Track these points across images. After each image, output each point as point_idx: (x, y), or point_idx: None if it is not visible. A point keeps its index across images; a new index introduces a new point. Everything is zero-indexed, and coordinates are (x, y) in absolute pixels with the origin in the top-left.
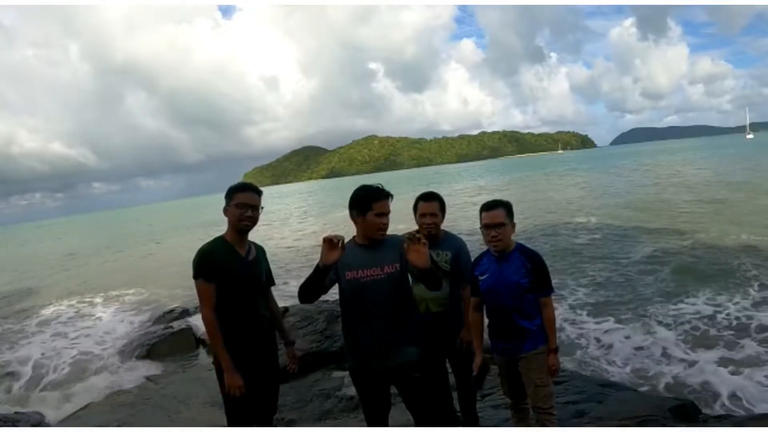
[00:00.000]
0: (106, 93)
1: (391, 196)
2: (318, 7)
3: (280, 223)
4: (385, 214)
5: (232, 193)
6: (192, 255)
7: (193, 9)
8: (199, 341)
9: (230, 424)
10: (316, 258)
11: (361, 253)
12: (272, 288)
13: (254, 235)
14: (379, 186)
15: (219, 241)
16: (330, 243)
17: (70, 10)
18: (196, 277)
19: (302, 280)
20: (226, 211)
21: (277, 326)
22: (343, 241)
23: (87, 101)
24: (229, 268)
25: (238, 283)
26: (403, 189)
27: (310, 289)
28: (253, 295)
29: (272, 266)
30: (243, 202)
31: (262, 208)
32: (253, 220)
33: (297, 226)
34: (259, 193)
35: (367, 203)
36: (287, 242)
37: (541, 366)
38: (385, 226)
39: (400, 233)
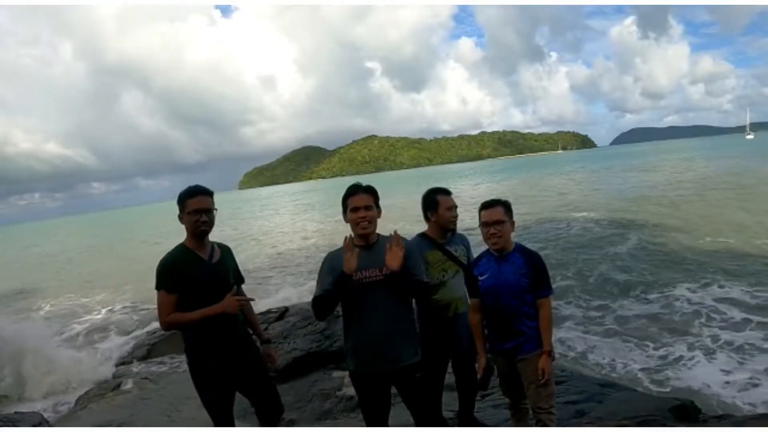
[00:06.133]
0: (102, 92)
1: (368, 189)
2: (314, 6)
3: (278, 223)
4: (359, 208)
5: (183, 200)
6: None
7: (188, 7)
8: None
9: (215, 422)
10: (310, 259)
11: (360, 255)
12: (273, 289)
13: (254, 237)
14: (354, 183)
15: (179, 249)
16: (349, 248)
17: (62, 9)
18: (158, 288)
19: (292, 280)
20: (181, 218)
21: (251, 325)
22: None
23: (83, 101)
24: (193, 275)
25: (204, 288)
26: (403, 189)
27: (333, 302)
28: (222, 297)
29: (270, 268)
30: (195, 208)
31: (216, 209)
32: (209, 224)
33: (296, 227)
34: (211, 194)
35: (344, 204)
36: (286, 243)
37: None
38: (362, 219)
39: (412, 232)
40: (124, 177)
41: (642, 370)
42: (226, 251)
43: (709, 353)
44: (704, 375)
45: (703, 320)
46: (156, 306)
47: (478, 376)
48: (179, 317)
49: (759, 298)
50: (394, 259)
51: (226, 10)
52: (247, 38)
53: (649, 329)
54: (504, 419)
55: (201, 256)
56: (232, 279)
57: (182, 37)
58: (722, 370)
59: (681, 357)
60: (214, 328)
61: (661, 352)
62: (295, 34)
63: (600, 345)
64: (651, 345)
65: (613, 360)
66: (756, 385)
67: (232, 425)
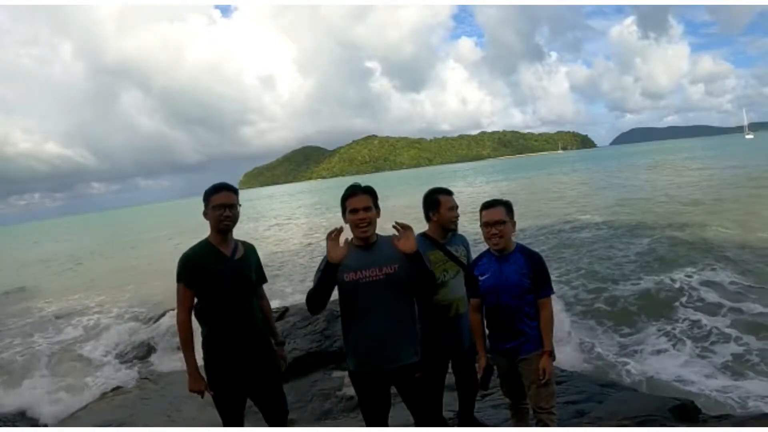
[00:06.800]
0: (101, 92)
1: (367, 190)
2: (314, 6)
3: (280, 224)
4: (358, 209)
5: (208, 196)
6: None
7: (188, 7)
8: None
9: (224, 421)
10: (311, 259)
11: (359, 255)
12: (276, 289)
13: (254, 237)
14: (352, 184)
15: (203, 244)
16: (333, 239)
17: (61, 9)
18: (178, 281)
19: (296, 279)
20: (205, 214)
21: (268, 325)
22: (339, 232)
23: (83, 101)
24: (214, 270)
25: (225, 284)
26: (404, 189)
27: (321, 294)
28: (242, 294)
29: (271, 268)
30: (219, 203)
31: (240, 205)
32: (233, 219)
33: (295, 227)
34: (235, 191)
35: (343, 205)
36: (285, 243)
37: None
38: (361, 221)
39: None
40: (124, 177)
41: (608, 353)
42: (249, 249)
43: (677, 341)
44: (663, 364)
45: (684, 300)
46: (176, 297)
47: (479, 376)
48: (185, 338)
49: (738, 284)
50: (407, 243)
51: (225, 10)
52: (246, 38)
53: (630, 309)
54: (504, 419)
55: (223, 252)
56: (254, 277)
57: (182, 37)
58: (683, 362)
59: (647, 342)
60: (234, 333)
61: (634, 338)
62: (294, 34)
63: (576, 326)
64: (626, 329)
65: (582, 341)
66: (709, 377)
67: (242, 425)
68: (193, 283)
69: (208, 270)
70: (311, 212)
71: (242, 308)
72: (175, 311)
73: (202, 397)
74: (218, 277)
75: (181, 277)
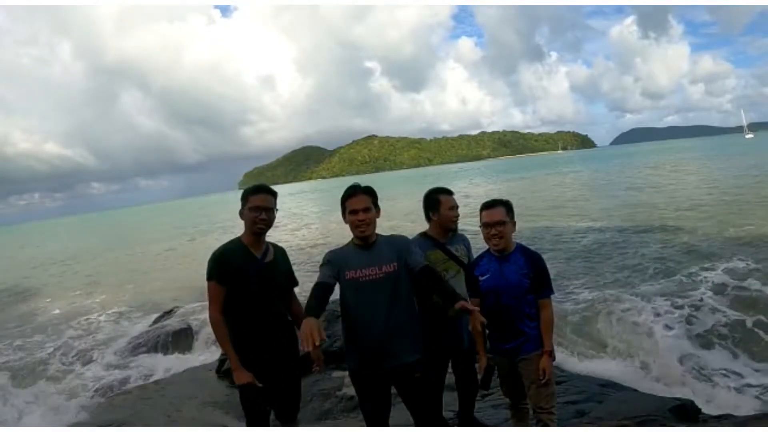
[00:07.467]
0: (101, 92)
1: (366, 190)
2: (313, 6)
3: (279, 224)
4: (358, 210)
5: (246, 196)
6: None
7: (187, 7)
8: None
9: (248, 420)
10: (311, 258)
11: (359, 254)
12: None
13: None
14: (352, 184)
15: (235, 242)
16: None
17: (61, 9)
18: (209, 278)
19: (303, 279)
20: (242, 214)
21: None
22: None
23: (82, 101)
24: (243, 270)
25: (252, 285)
26: (404, 189)
27: (314, 308)
28: (269, 297)
29: None
30: (256, 205)
31: (277, 209)
32: (268, 222)
33: (294, 228)
34: (274, 194)
35: (343, 205)
36: (284, 243)
37: None
38: (361, 221)
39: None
40: (123, 177)
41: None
42: (280, 253)
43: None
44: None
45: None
46: (207, 295)
47: (479, 376)
48: (222, 335)
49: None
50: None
51: (225, 10)
52: (246, 38)
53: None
54: (504, 419)
55: (254, 254)
56: (284, 281)
57: (181, 37)
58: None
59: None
60: (257, 335)
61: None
62: (294, 33)
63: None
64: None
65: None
66: (678, 339)
67: (267, 424)
68: (224, 281)
69: (237, 270)
70: (311, 212)
71: (268, 311)
72: (208, 309)
73: (251, 390)
74: (246, 277)
75: (212, 274)
